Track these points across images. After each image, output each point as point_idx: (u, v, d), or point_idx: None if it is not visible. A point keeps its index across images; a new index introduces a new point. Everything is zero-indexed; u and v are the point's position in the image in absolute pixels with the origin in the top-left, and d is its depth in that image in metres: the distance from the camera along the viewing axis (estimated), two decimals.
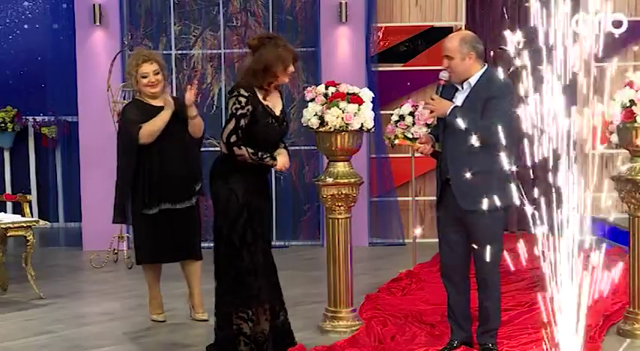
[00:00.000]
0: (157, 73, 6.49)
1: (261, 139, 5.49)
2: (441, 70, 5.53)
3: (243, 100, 5.41)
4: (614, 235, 9.46)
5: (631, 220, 6.11)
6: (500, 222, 5.50)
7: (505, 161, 4.81)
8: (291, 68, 5.52)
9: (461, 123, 5.16)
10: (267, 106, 5.49)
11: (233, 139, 5.40)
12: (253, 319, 5.53)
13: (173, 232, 6.52)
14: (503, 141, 5.10)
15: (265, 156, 5.47)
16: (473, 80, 5.43)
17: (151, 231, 6.53)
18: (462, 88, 5.47)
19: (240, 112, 5.39)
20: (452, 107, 5.38)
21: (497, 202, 5.37)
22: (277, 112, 5.57)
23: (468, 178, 5.31)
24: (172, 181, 6.44)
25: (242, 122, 5.40)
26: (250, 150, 5.41)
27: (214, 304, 5.68)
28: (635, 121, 5.88)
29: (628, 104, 5.90)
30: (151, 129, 6.40)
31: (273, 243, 6.11)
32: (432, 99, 5.47)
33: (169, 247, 6.56)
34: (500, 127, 5.16)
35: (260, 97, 5.48)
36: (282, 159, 5.54)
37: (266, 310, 5.58)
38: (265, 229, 5.68)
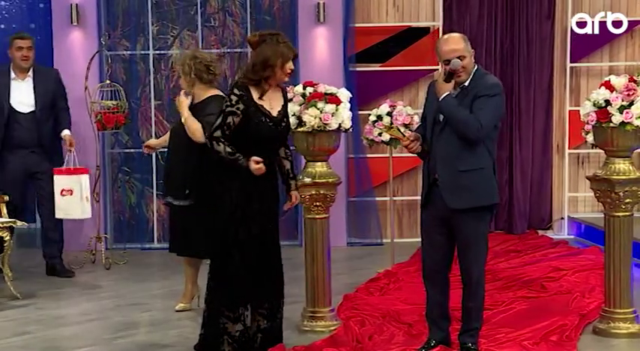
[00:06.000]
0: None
1: (253, 137, 5.45)
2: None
3: (234, 98, 5.43)
4: (590, 235, 9.53)
5: (606, 220, 6.15)
6: (486, 221, 5.51)
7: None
8: (290, 65, 5.50)
9: (451, 109, 5.25)
10: (261, 105, 5.47)
11: (217, 134, 5.40)
12: (239, 319, 5.53)
13: (173, 226, 6.87)
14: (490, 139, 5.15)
15: (240, 158, 5.37)
16: (467, 80, 5.43)
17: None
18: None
19: (228, 109, 5.41)
20: (446, 94, 5.33)
21: (484, 201, 5.41)
22: (274, 113, 5.53)
23: (456, 176, 5.34)
24: (167, 177, 6.86)
25: (230, 120, 5.40)
26: (228, 149, 5.37)
27: (205, 300, 5.67)
28: (611, 122, 5.91)
29: (603, 104, 5.94)
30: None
31: None
32: (436, 80, 5.46)
33: (173, 239, 6.87)
34: (482, 126, 5.21)
35: (255, 95, 5.47)
36: (253, 165, 5.36)
37: (254, 312, 5.57)
38: (266, 230, 5.66)
